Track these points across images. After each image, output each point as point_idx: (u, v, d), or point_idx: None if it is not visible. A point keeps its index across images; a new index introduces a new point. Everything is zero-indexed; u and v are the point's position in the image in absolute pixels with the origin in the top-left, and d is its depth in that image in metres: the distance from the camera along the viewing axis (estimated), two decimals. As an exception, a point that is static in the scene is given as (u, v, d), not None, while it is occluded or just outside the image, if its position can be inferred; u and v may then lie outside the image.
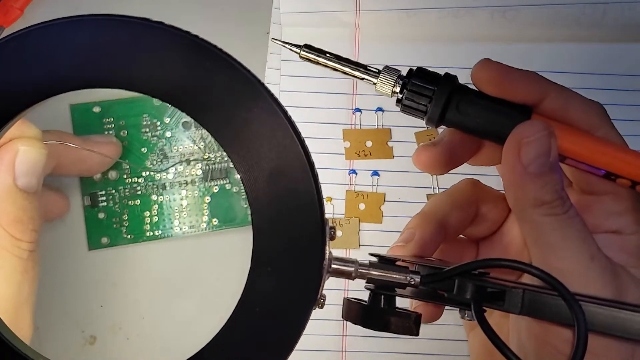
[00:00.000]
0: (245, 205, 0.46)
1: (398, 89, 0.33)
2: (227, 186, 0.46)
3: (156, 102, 0.46)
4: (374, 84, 0.33)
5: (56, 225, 0.45)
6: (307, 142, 0.27)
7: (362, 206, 0.48)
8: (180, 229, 0.46)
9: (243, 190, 0.46)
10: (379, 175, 0.48)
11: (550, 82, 0.34)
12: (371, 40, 0.47)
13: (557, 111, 0.33)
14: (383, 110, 0.47)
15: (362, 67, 0.33)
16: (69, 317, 0.46)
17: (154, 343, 0.46)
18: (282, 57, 0.47)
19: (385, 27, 0.47)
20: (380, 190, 0.48)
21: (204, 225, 0.46)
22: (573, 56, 0.47)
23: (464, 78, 0.47)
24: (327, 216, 0.27)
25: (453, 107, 0.33)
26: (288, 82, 0.47)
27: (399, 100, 0.33)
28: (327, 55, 0.33)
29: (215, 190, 0.46)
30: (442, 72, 0.47)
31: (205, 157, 0.46)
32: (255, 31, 0.48)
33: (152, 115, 0.46)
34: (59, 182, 0.46)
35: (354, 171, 0.48)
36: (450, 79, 0.33)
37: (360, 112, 0.48)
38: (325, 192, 0.38)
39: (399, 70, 0.33)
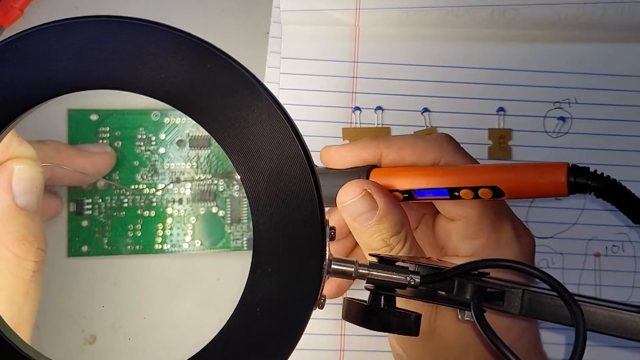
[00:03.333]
0: (229, 231, 0.46)
1: None
2: (214, 209, 0.46)
3: (154, 116, 0.46)
4: None
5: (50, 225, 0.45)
6: (307, 140, 0.27)
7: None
8: (162, 246, 0.46)
9: (229, 215, 0.46)
10: (378, 174, 0.48)
11: (381, 141, 0.39)
12: (371, 39, 0.47)
13: (397, 161, 0.38)
14: (383, 109, 0.47)
15: None
16: (69, 317, 0.46)
17: (154, 343, 0.46)
18: (282, 55, 0.47)
19: (385, 26, 0.47)
20: (379, 189, 0.48)
21: (186, 245, 0.46)
22: (573, 56, 0.47)
23: (463, 76, 0.47)
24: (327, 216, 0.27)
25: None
26: (288, 80, 0.47)
27: None
28: None
29: (202, 212, 0.46)
30: (442, 71, 0.48)
31: (196, 177, 0.46)
32: (255, 30, 0.48)
33: (148, 129, 0.46)
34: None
35: (353, 170, 0.48)
36: None
37: (360, 110, 0.48)
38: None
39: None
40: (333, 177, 0.39)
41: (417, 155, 0.38)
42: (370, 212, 0.37)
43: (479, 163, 0.39)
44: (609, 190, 0.34)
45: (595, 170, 0.34)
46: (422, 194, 0.38)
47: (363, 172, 0.39)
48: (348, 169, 0.39)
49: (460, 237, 0.39)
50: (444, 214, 0.40)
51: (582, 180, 0.34)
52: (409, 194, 0.38)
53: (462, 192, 0.36)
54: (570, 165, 0.35)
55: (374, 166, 0.39)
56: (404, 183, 0.38)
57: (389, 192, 0.38)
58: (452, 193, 0.37)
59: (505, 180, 0.36)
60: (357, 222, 0.37)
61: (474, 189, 0.36)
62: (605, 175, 0.34)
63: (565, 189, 0.34)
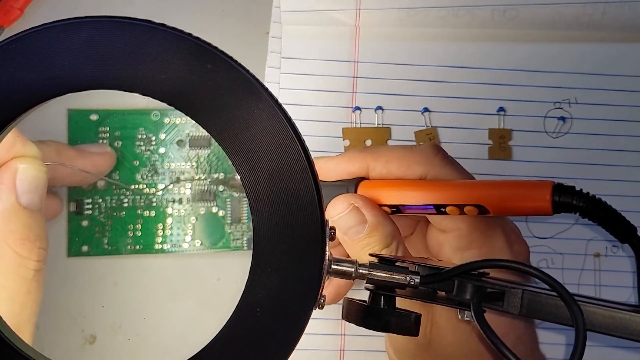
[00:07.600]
0: (229, 231, 0.46)
1: None
2: (214, 209, 0.46)
3: (154, 116, 0.46)
4: None
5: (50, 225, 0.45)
6: (307, 140, 0.27)
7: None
8: (162, 246, 0.46)
9: (229, 215, 0.46)
10: (378, 174, 0.48)
11: (368, 153, 0.39)
12: (371, 39, 0.47)
13: (384, 174, 0.38)
14: (383, 109, 0.48)
15: None
16: (69, 317, 0.46)
17: (154, 343, 0.46)
18: (282, 55, 0.47)
19: (385, 26, 0.47)
20: (379, 189, 0.48)
21: (186, 245, 0.46)
22: (573, 56, 0.47)
23: (463, 76, 0.47)
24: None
25: None
26: (288, 80, 0.47)
27: None
28: None
29: (202, 212, 0.46)
30: (442, 70, 0.48)
31: (196, 177, 0.46)
32: (255, 30, 0.48)
33: (148, 129, 0.46)
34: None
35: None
36: None
37: (360, 110, 0.48)
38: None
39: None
40: (323, 190, 0.39)
41: (404, 169, 0.38)
42: (359, 225, 0.37)
43: (468, 174, 0.39)
44: (594, 210, 0.34)
45: (581, 190, 0.34)
46: (410, 208, 0.37)
47: (352, 184, 0.39)
48: (337, 181, 0.39)
49: (453, 249, 0.38)
50: (435, 226, 0.39)
51: (567, 200, 0.34)
52: (397, 208, 0.38)
53: (448, 209, 0.36)
54: (556, 184, 0.34)
55: (362, 178, 0.39)
56: (390, 198, 0.38)
57: (378, 205, 0.38)
58: (438, 209, 0.37)
59: (490, 198, 0.35)
60: (348, 236, 0.37)
61: (460, 206, 0.36)
62: (591, 194, 0.34)
63: (550, 208, 0.34)
